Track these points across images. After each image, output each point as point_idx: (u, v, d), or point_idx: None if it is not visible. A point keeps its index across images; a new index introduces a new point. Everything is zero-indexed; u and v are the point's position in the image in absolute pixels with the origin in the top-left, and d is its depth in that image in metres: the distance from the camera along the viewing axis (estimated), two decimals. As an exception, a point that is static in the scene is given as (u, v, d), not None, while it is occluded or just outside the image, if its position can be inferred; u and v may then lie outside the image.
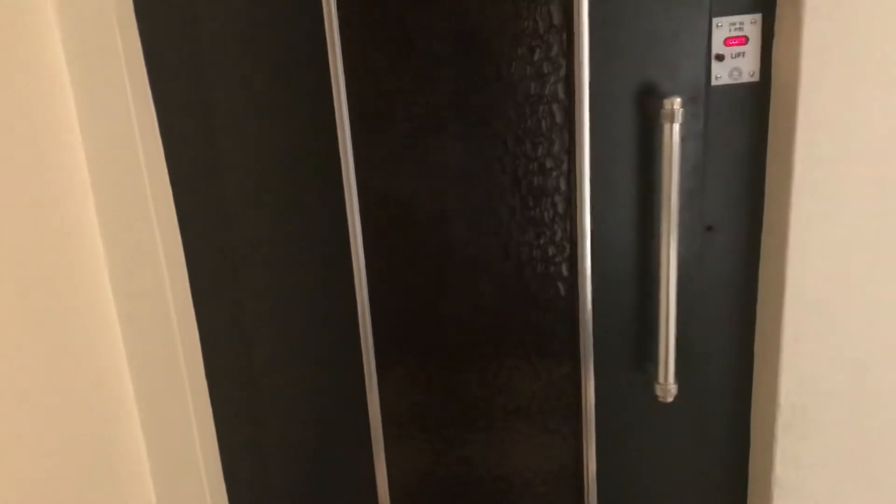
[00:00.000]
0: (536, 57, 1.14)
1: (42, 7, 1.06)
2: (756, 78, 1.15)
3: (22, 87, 1.05)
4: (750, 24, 1.13)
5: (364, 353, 1.29)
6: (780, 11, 1.11)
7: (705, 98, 1.15)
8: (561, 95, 1.16)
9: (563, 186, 1.20)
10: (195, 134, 1.21)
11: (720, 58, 1.14)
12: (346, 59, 1.15)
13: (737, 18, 1.12)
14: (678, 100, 1.09)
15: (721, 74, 1.14)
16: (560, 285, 1.25)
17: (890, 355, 1.18)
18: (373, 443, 1.34)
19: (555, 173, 1.19)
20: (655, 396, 1.24)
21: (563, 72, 1.15)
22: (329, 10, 1.12)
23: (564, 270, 1.24)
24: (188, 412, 1.27)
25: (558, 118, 1.17)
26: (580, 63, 1.13)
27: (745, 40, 1.13)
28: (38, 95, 1.07)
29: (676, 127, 1.10)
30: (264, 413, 1.35)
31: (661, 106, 1.10)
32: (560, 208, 1.21)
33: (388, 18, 1.14)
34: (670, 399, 1.24)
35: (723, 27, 1.13)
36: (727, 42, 1.13)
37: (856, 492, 1.25)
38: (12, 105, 1.03)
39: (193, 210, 1.24)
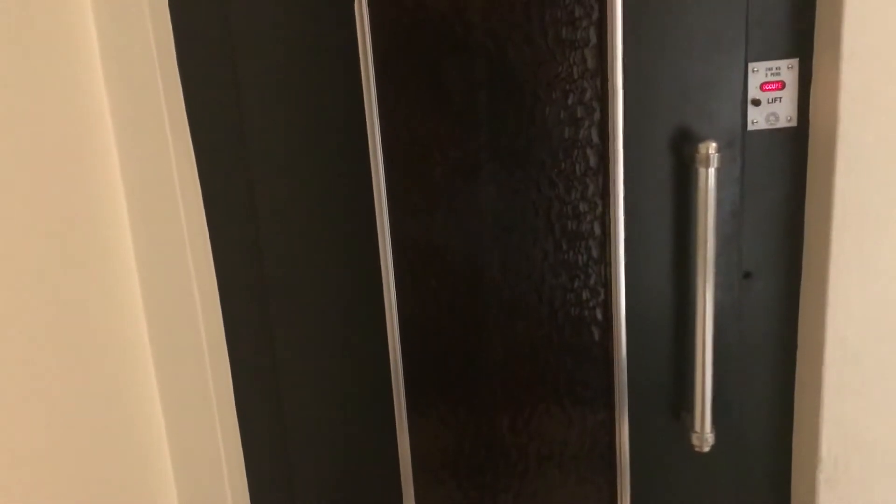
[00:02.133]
0: (570, 101, 1.15)
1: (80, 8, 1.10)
2: (794, 123, 1.13)
3: (56, 87, 1.07)
4: (787, 70, 1.12)
5: (395, 397, 1.28)
6: (818, 56, 1.10)
7: (742, 143, 1.14)
8: (595, 139, 1.16)
9: (597, 231, 1.19)
10: (234, 188, 1.23)
11: (756, 103, 1.13)
12: (381, 104, 1.16)
13: (773, 63, 1.12)
14: (713, 144, 1.08)
15: (757, 119, 1.13)
16: (594, 330, 1.23)
17: (937, 408, 1.14)
18: (403, 488, 1.32)
19: (589, 217, 1.19)
20: (692, 446, 1.21)
21: (597, 116, 1.15)
22: (365, 56, 1.14)
23: (599, 315, 1.23)
24: (219, 455, 1.27)
25: (592, 162, 1.16)
26: (614, 108, 1.13)
27: (782, 85, 1.12)
28: (71, 96, 1.09)
29: (712, 171, 1.09)
30: (294, 457, 1.35)
31: (696, 150, 1.10)
32: (594, 252, 1.20)
33: (424, 64, 1.15)
34: (707, 449, 1.21)
35: (759, 72, 1.12)
36: (763, 87, 1.12)
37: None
38: (46, 103, 1.05)
39: (230, 255, 1.26)
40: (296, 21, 1.16)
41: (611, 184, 1.16)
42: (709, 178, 1.10)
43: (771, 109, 1.13)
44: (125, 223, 1.18)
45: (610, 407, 1.26)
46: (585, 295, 1.22)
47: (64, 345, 1.07)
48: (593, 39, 1.12)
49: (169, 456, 1.28)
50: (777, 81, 1.12)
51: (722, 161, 1.13)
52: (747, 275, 1.19)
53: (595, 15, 1.11)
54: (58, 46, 1.07)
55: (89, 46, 1.11)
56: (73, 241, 1.09)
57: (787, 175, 1.15)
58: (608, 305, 1.22)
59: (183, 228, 1.18)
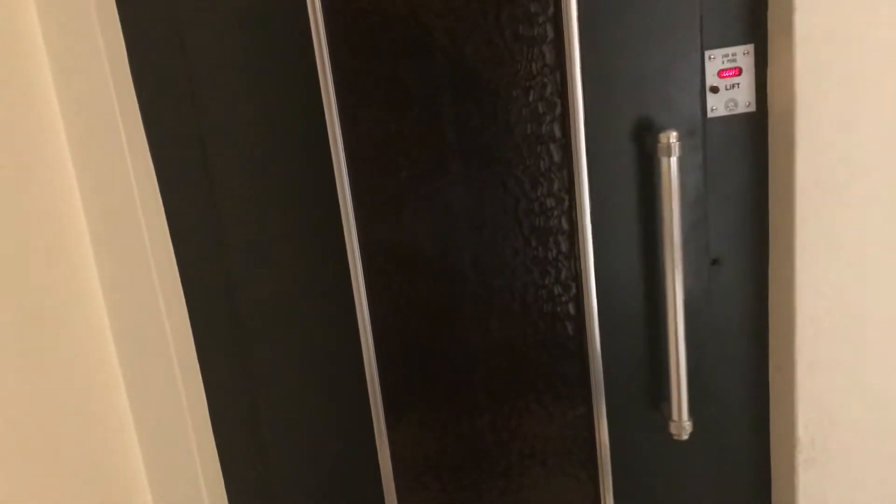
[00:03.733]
0: (531, 98, 1.15)
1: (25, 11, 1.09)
2: (752, 108, 1.14)
3: (8, 98, 1.06)
4: (743, 56, 1.13)
5: (372, 400, 1.27)
6: (772, 40, 1.11)
7: (702, 131, 1.15)
8: (558, 134, 1.16)
9: (565, 225, 1.19)
10: (194, 188, 1.22)
11: (715, 90, 1.14)
12: (341, 106, 1.16)
13: (729, 50, 1.13)
14: (674, 133, 1.09)
15: (717, 106, 1.14)
16: (568, 325, 1.23)
17: (909, 382, 1.16)
18: (385, 494, 1.32)
19: (556, 212, 1.19)
20: (671, 435, 1.22)
21: (558, 111, 1.15)
22: (322, 58, 1.14)
23: (571, 309, 1.23)
24: (195, 466, 1.25)
25: (556, 157, 1.17)
26: (575, 101, 1.13)
27: (739, 71, 1.13)
28: (24, 107, 1.08)
29: (674, 160, 1.10)
30: (274, 464, 1.34)
31: (657, 140, 1.10)
32: (563, 247, 1.20)
33: (383, 65, 1.15)
34: (685, 437, 1.21)
35: (716, 59, 1.13)
36: (721, 74, 1.13)
37: (885, 526, 1.22)
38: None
39: (194, 264, 1.25)
40: (250, 26, 1.15)
41: (576, 178, 1.16)
42: (671, 167, 1.10)
43: (729, 96, 1.14)
44: (84, 228, 1.17)
45: (588, 400, 1.26)
46: (557, 290, 1.22)
47: (29, 364, 1.06)
48: (550, 35, 1.12)
49: (146, 477, 1.26)
50: (734, 68, 1.13)
51: (684, 150, 1.14)
52: (715, 261, 1.20)
53: (551, 10, 1.12)
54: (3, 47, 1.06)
55: (37, 53, 1.10)
56: (34, 259, 1.08)
57: (749, 160, 1.16)
58: (580, 299, 1.22)
59: (144, 233, 1.17)
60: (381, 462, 1.30)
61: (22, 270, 1.06)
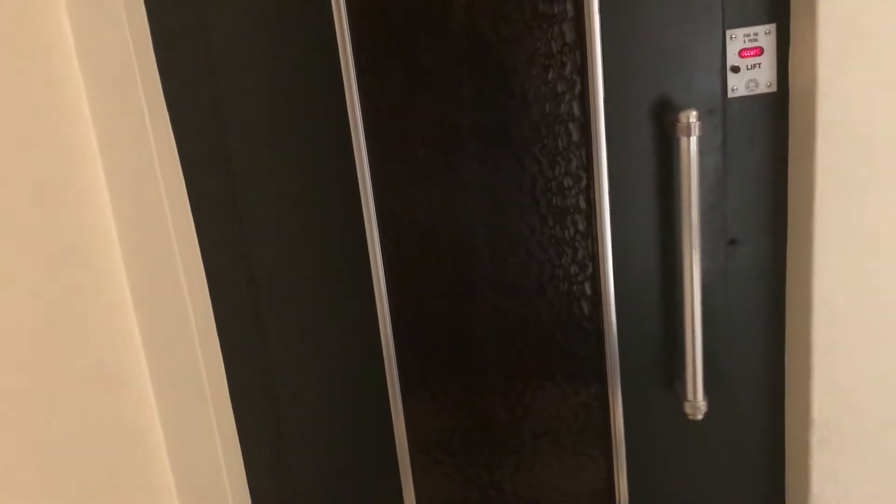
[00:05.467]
0: (550, 76, 1.15)
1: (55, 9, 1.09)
2: (773, 88, 1.14)
3: (38, 93, 1.07)
4: (765, 35, 1.12)
5: (388, 378, 1.28)
6: (794, 20, 1.10)
7: (723, 110, 1.15)
8: (577, 113, 1.16)
9: (582, 204, 1.19)
10: (213, 166, 1.22)
11: (736, 69, 1.13)
12: (360, 84, 1.16)
13: (751, 30, 1.12)
14: (694, 112, 1.09)
15: (737, 86, 1.14)
16: (584, 304, 1.24)
17: (925, 365, 1.16)
18: (400, 469, 1.33)
19: (574, 191, 1.19)
20: (685, 414, 1.22)
21: (577, 89, 1.15)
22: (343, 37, 1.14)
23: (588, 289, 1.23)
24: (214, 440, 1.27)
25: (575, 136, 1.17)
26: (594, 80, 1.13)
27: (760, 51, 1.13)
28: (53, 102, 1.09)
29: (693, 140, 1.10)
30: (291, 440, 1.35)
31: (677, 119, 1.10)
32: (581, 226, 1.20)
33: (402, 43, 1.15)
34: (700, 416, 1.22)
35: (737, 39, 1.12)
36: (742, 53, 1.13)
37: (898, 508, 1.22)
38: (29, 110, 1.05)
39: (215, 240, 1.26)
40: (272, 4, 1.15)
41: (594, 157, 1.16)
42: (691, 146, 1.10)
43: (750, 76, 1.14)
44: (111, 221, 1.18)
45: (603, 380, 1.27)
46: (574, 269, 1.23)
47: (54, 359, 1.08)
48: (570, 12, 1.12)
49: (164, 446, 1.27)
50: (755, 47, 1.13)
51: (703, 129, 1.14)
52: (733, 241, 1.20)
53: (571, -12, 1.11)
54: (34, 47, 1.06)
55: (65, 46, 1.11)
56: (60, 254, 1.09)
57: (769, 140, 1.16)
58: (596, 279, 1.22)
59: (167, 212, 1.17)
60: (396, 437, 1.31)
61: (50, 269, 1.07)
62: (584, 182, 1.18)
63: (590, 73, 1.13)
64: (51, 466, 1.05)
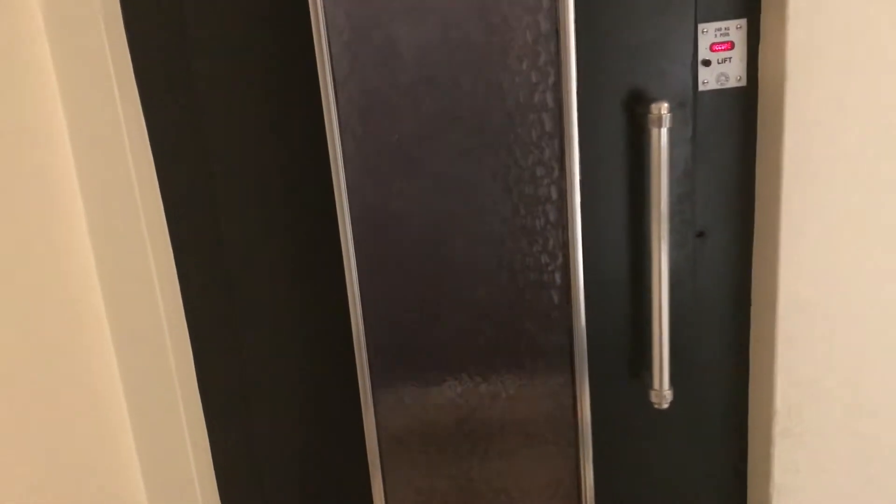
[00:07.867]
0: (524, 66, 1.15)
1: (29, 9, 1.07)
2: (743, 83, 1.16)
3: (10, 94, 1.05)
4: (735, 30, 1.14)
5: (359, 367, 1.28)
6: (765, 16, 1.12)
7: (693, 103, 1.16)
8: (550, 104, 1.16)
9: (554, 195, 1.20)
10: (186, 160, 1.21)
11: (707, 63, 1.15)
12: (335, 72, 1.15)
13: (722, 24, 1.13)
14: (665, 105, 1.10)
15: (708, 80, 1.15)
16: (553, 294, 1.25)
17: (885, 356, 1.18)
18: (369, 459, 1.33)
19: (546, 181, 1.19)
20: (651, 403, 1.24)
21: (551, 80, 1.15)
22: (318, 22, 1.13)
23: (557, 279, 1.24)
24: (182, 433, 1.25)
25: (548, 126, 1.17)
26: (568, 71, 1.13)
27: (731, 45, 1.14)
28: (26, 103, 1.07)
29: (664, 132, 1.11)
30: (260, 432, 1.34)
31: (648, 111, 1.11)
32: (552, 216, 1.21)
33: (377, 29, 1.14)
34: (666, 405, 1.23)
35: (708, 33, 1.14)
36: (713, 47, 1.14)
37: (856, 497, 1.25)
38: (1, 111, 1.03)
39: (186, 228, 1.24)
40: (245, -11, 1.14)
41: (566, 147, 1.17)
42: (661, 138, 1.11)
43: (721, 70, 1.15)
44: (83, 221, 1.15)
45: (570, 369, 1.28)
46: (544, 259, 1.23)
47: (26, 363, 1.06)
48: (546, 3, 1.12)
49: (133, 444, 1.26)
50: (726, 42, 1.14)
51: (674, 121, 1.15)
52: (700, 233, 1.22)
53: (546, -22, 1.11)
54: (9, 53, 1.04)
55: (40, 51, 1.08)
56: (32, 254, 1.08)
57: (738, 134, 1.17)
58: (566, 269, 1.23)
59: (139, 208, 1.15)
60: (366, 426, 1.30)
61: (21, 265, 1.06)
62: (556, 172, 1.19)
63: (563, 63, 1.14)
64: (19, 471, 1.04)
